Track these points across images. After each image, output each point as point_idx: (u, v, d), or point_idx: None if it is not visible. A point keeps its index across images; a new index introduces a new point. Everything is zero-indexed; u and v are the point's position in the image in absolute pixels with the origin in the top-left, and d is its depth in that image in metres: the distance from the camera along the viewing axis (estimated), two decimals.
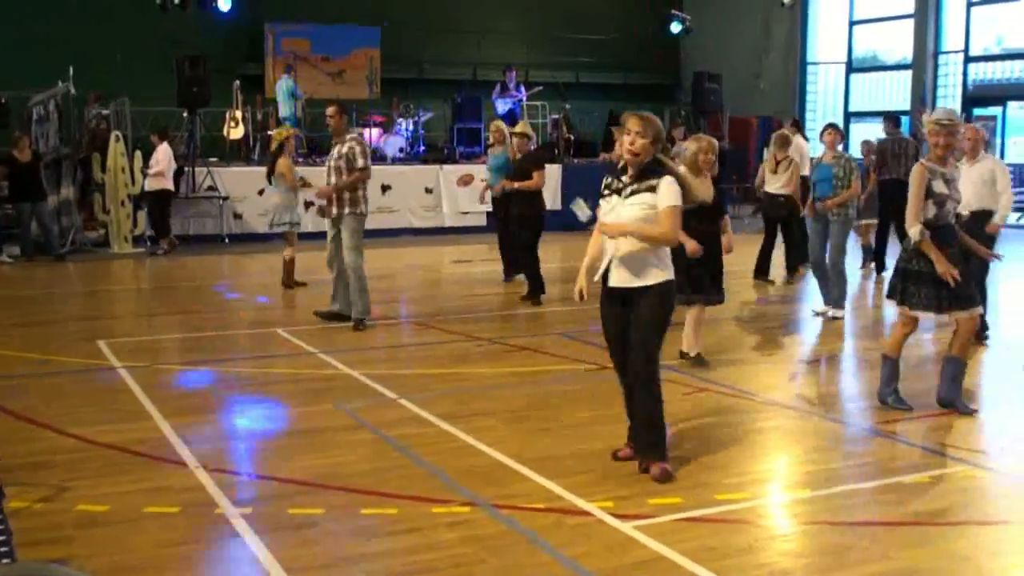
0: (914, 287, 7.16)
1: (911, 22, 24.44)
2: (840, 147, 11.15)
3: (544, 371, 8.74)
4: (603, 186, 6.02)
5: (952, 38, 24.10)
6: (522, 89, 22.48)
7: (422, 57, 25.32)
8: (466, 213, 19.61)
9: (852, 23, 26.28)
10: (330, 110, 10.43)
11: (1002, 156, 21.90)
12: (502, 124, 14.00)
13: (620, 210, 5.84)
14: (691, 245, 8.08)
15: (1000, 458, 6.40)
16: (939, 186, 7.10)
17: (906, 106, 24.34)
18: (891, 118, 14.96)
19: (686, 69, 27.75)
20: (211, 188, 18.40)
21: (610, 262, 5.91)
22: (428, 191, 19.73)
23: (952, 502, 5.68)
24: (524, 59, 25.15)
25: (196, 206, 18.42)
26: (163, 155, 16.72)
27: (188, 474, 6.05)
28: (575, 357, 9.14)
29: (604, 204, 5.96)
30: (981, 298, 7.85)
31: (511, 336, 10.21)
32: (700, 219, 8.26)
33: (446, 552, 4.93)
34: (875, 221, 14.45)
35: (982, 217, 9.26)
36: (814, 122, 26.66)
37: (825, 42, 26.98)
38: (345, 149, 10.17)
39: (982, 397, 7.85)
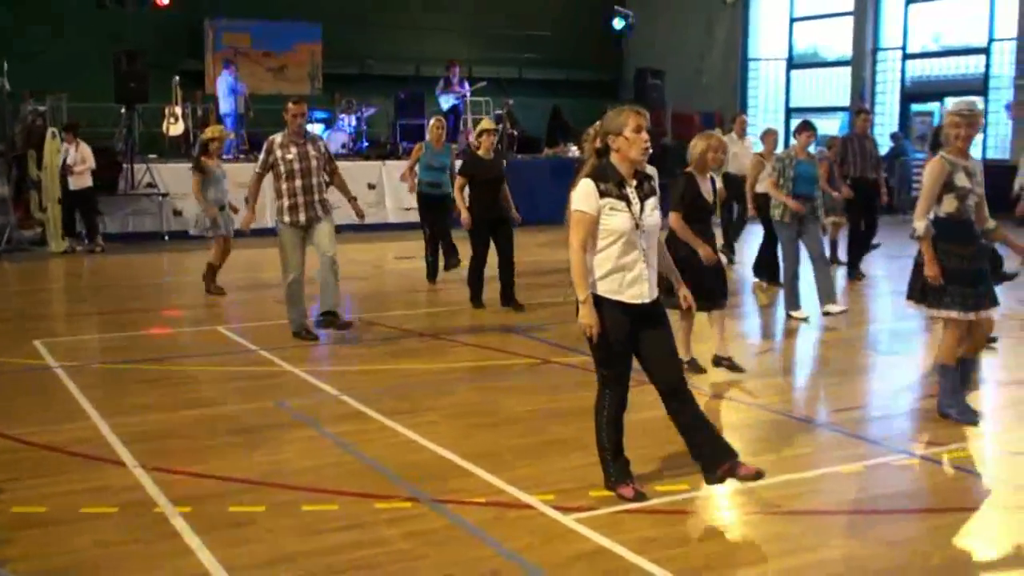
0: (940, 287, 6.76)
1: (851, 19, 24.73)
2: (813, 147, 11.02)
3: (486, 366, 8.74)
4: (607, 192, 5.29)
5: (890, 35, 24.43)
6: (466, 85, 22.46)
7: (365, 53, 25.20)
8: (409, 209, 19.47)
9: (793, 20, 26.54)
10: (299, 107, 9.52)
11: (936, 151, 22.20)
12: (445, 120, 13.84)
13: (648, 221, 5.35)
14: (705, 251, 7.89)
15: (934, 448, 6.49)
16: (961, 179, 6.74)
17: (846, 102, 24.65)
18: (861, 112, 14.44)
19: (629, 65, 27.84)
20: (150, 185, 18.18)
21: (636, 278, 5.32)
22: (371, 187, 19.65)
23: (888, 491, 5.77)
24: (467, 55, 25.11)
25: (135, 203, 18.21)
26: (88, 152, 16.50)
27: (126, 473, 5.98)
28: (517, 352, 9.15)
29: (623, 211, 5.28)
30: None
31: (454, 332, 10.20)
32: (700, 221, 8.09)
33: (388, 548, 4.91)
34: (843, 219, 13.89)
35: None
36: (755, 118, 26.88)
37: (766, 39, 27.22)
38: (321, 148, 9.70)
39: (917, 387, 7.97)
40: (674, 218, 7.97)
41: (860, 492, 5.72)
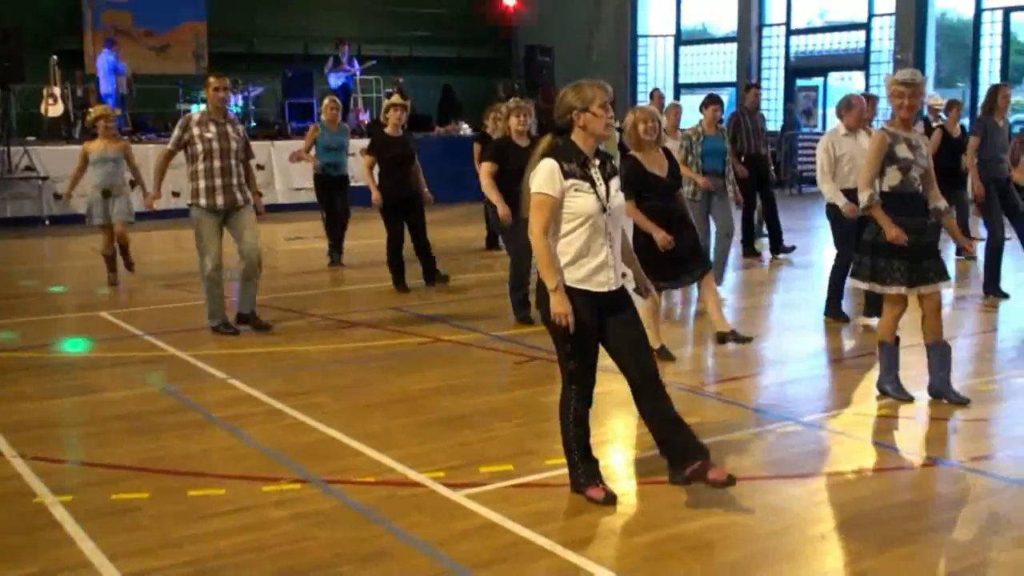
0: (885, 260, 6.61)
1: None
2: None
3: (376, 346, 8.69)
4: (571, 172, 4.93)
5: (775, 11, 24.82)
6: (356, 63, 22.25)
7: (251, 31, 24.78)
8: (299, 189, 19.29)
9: None
10: (222, 81, 8.91)
11: (824, 126, 22.71)
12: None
13: (614, 202, 5.03)
14: (661, 236, 7.51)
15: (819, 414, 6.64)
16: (903, 151, 6.56)
17: (733, 78, 25.00)
18: (752, 88, 14.38)
19: (518, 43, 27.87)
20: (28, 168, 17.65)
21: (601, 264, 4.99)
22: (260, 167, 19.31)
23: (774, 457, 5.88)
24: (357, 33, 24.88)
25: (13, 187, 17.66)
26: None
27: (4, 463, 5.81)
28: (409, 331, 9.11)
29: (588, 192, 4.94)
30: None
31: (344, 312, 10.12)
32: (660, 197, 7.68)
33: (276, 530, 4.86)
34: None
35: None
36: (645, 95, 27.11)
37: (655, 15, 27.44)
38: (240, 129, 9.17)
39: (804, 356, 8.14)
40: (628, 208, 7.32)
41: (746, 459, 5.82)
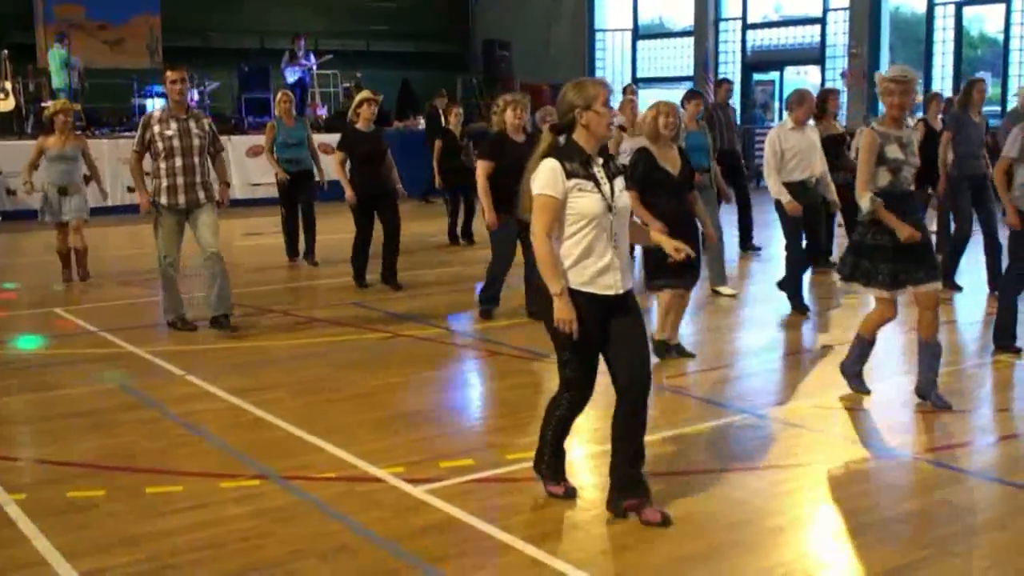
0: (869, 263, 6.48)
1: None
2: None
3: (337, 341, 8.64)
4: (573, 172, 4.72)
5: (732, 5, 24.95)
6: (312, 57, 22.13)
7: (207, 25, 24.58)
8: (257, 185, 19.19)
9: None
10: (179, 73, 8.68)
11: (780, 119, 22.85)
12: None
13: (619, 202, 4.83)
14: (657, 227, 6.93)
15: (778, 407, 6.68)
16: (893, 151, 6.39)
17: (690, 72, 25.10)
18: (723, 83, 14.35)
19: (476, 37, 27.84)
20: None
21: (606, 266, 4.77)
22: None
23: (733, 451, 5.92)
24: (313, 27, 24.74)
25: None
26: None
27: None
28: (369, 327, 9.09)
29: (593, 192, 4.73)
30: None
31: (304, 308, 10.08)
32: (669, 195, 7.52)
33: (234, 526, 4.82)
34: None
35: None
36: None
37: (612, 9, 27.50)
38: (206, 125, 8.89)
39: (766, 349, 8.20)
40: (630, 197, 7.47)
41: (706, 453, 5.85)
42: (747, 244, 13.34)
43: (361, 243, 10.93)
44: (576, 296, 4.73)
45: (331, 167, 11.42)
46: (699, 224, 7.85)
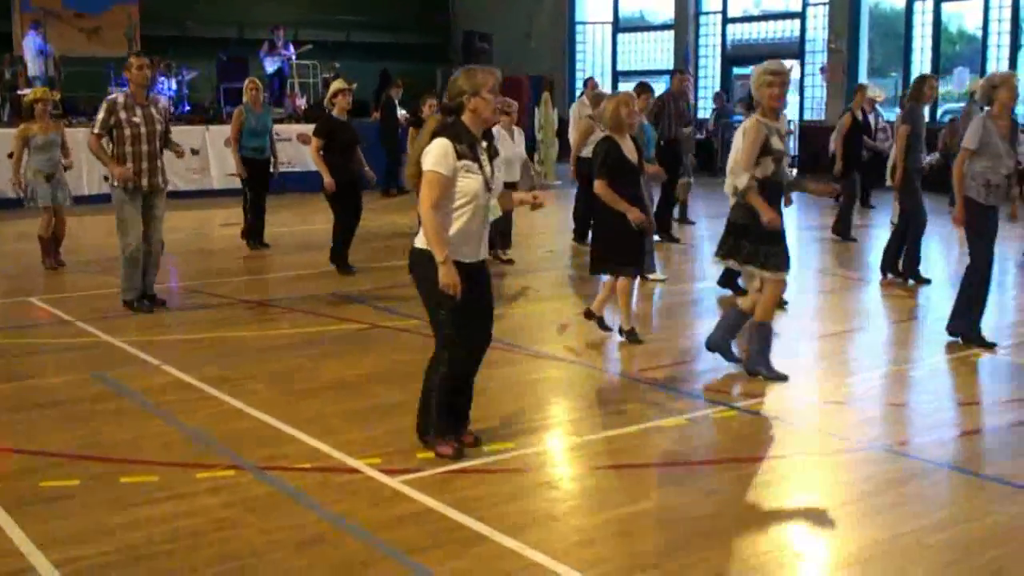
0: (752, 245, 6.80)
1: None
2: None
3: (313, 332, 8.62)
4: (463, 153, 5.20)
5: None
6: (291, 47, 22.03)
7: (185, 14, 24.44)
8: (235, 175, 19.04)
9: None
10: (143, 60, 8.97)
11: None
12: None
13: (496, 182, 5.43)
14: (634, 214, 7.56)
15: (752, 400, 6.70)
16: (776, 142, 6.73)
17: (671, 65, 25.09)
18: (676, 72, 14.47)
19: (456, 28, 27.78)
20: None
21: (472, 237, 5.33)
22: (195, 152, 19.05)
23: (707, 442, 5.95)
24: (293, 17, 24.64)
25: None
26: None
27: None
28: (342, 317, 9.06)
29: (477, 173, 5.24)
30: None
31: (281, 298, 10.04)
32: (631, 183, 7.78)
33: (208, 516, 4.81)
34: (691, 181, 13.93)
35: None
36: (582, 82, 27.16)
37: (593, 2, 27.50)
38: (163, 110, 9.19)
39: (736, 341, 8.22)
40: (599, 185, 7.70)
41: (680, 445, 5.87)
42: (666, 234, 13.36)
43: (343, 230, 11.13)
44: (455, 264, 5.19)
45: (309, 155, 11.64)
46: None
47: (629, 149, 7.83)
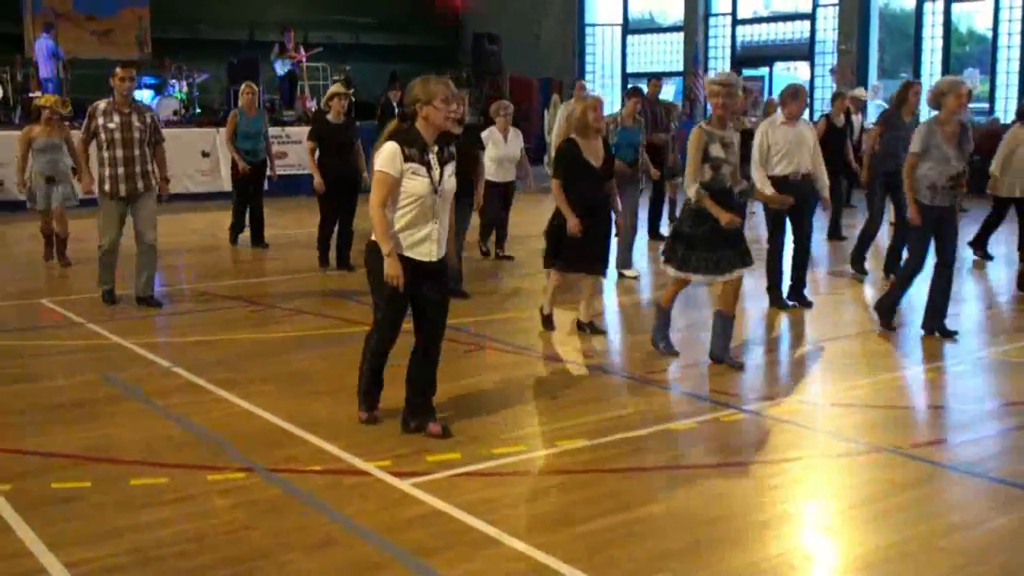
0: (688, 251, 7.18)
1: None
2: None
3: (322, 334, 8.64)
4: (411, 156, 5.56)
5: (722, 1, 24.95)
6: (301, 50, 22.06)
7: (196, 17, 24.50)
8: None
9: None
10: (128, 71, 9.29)
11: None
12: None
13: (445, 185, 5.69)
14: (572, 222, 7.83)
15: (761, 402, 6.69)
16: (716, 150, 7.04)
17: (680, 67, 25.11)
18: (652, 78, 14.32)
19: (466, 31, 27.80)
20: None
21: (425, 236, 5.68)
22: (205, 155, 19.13)
23: (715, 446, 5.93)
24: (303, 19, 24.68)
25: None
26: None
27: None
28: (351, 318, 9.06)
29: (423, 176, 5.58)
30: None
31: (290, 300, 10.04)
32: (588, 185, 7.97)
33: (219, 519, 4.82)
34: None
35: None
36: (592, 84, 27.14)
37: (602, 4, 27.49)
38: (148, 119, 9.36)
39: (744, 344, 8.20)
40: (554, 185, 8.02)
41: (691, 447, 5.87)
42: (656, 232, 13.70)
43: (326, 227, 11.53)
44: (400, 259, 5.60)
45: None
46: (612, 213, 8.36)
47: (592, 152, 8.01)
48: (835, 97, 13.56)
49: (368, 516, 4.83)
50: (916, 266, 8.27)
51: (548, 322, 8.50)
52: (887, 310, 8.51)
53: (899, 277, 8.59)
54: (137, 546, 4.53)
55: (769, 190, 8.83)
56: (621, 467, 5.53)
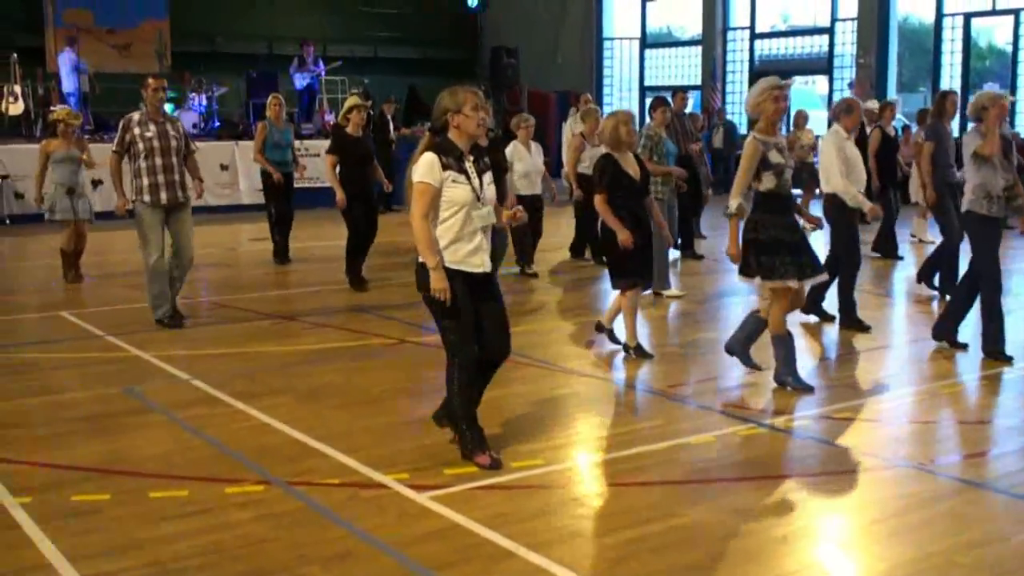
0: (768, 257, 6.93)
1: None
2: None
3: (341, 347, 8.66)
4: (448, 165, 5.47)
5: (740, 14, 24.95)
6: (321, 64, 22.16)
7: (214, 30, 24.64)
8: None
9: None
10: (160, 82, 9.29)
11: (786, 129, 22.81)
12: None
13: (486, 193, 5.61)
14: (624, 235, 7.64)
15: (783, 417, 6.67)
16: (775, 156, 6.92)
17: (698, 81, 25.10)
18: (678, 92, 14.22)
19: (484, 44, 27.87)
20: None
21: (476, 248, 5.57)
22: (224, 168, 19.23)
23: (734, 460, 5.91)
24: (321, 33, 24.80)
25: None
26: None
27: None
28: (370, 332, 9.09)
29: (464, 183, 5.49)
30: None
31: (308, 313, 10.07)
32: (631, 199, 7.86)
33: (237, 531, 4.83)
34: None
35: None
36: (611, 97, 27.22)
37: (620, 18, 27.52)
38: (179, 127, 9.40)
39: (770, 358, 8.18)
40: (597, 200, 7.84)
41: (710, 462, 5.84)
42: (689, 251, 13.49)
43: (354, 245, 11.34)
44: (450, 273, 5.47)
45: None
46: (654, 227, 8.23)
47: (629, 164, 7.93)
48: (883, 107, 13.31)
49: (386, 529, 4.83)
50: (995, 287, 7.88)
51: (641, 351, 8.09)
52: (949, 331, 8.25)
53: (983, 301, 7.96)
54: (156, 559, 4.54)
55: (867, 205, 8.58)
56: (639, 481, 5.52)
